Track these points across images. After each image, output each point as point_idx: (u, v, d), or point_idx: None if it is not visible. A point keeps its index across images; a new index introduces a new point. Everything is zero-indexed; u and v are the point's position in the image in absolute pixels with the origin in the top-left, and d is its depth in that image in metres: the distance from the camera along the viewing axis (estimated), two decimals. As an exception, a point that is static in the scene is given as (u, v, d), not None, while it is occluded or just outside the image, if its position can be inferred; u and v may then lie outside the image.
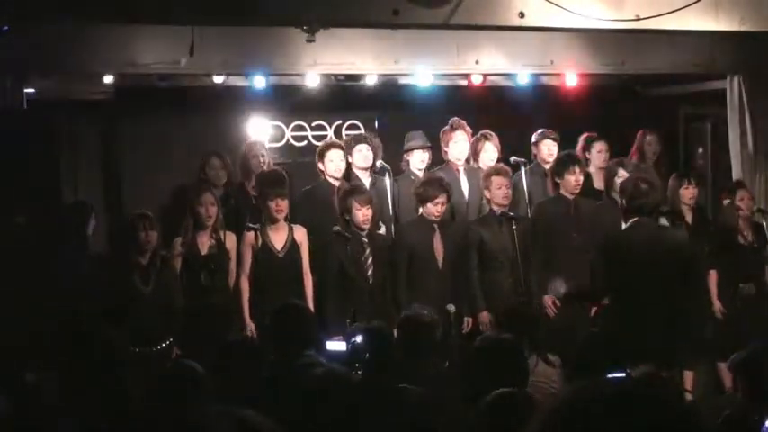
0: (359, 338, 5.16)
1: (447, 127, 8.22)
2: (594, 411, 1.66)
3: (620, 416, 1.66)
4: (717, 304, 7.79)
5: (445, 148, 8.21)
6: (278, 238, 7.31)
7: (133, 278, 6.78)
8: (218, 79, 8.31)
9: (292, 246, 7.30)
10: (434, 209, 7.36)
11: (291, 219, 7.47)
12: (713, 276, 7.83)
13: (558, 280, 7.53)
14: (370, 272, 7.24)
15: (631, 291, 6.49)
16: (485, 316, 7.32)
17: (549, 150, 8.46)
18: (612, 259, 6.62)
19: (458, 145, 8.16)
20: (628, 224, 6.71)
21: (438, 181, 7.49)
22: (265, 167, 8.11)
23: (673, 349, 6.37)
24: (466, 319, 7.39)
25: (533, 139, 8.63)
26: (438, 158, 8.32)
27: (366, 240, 7.27)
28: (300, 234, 7.36)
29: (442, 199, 7.36)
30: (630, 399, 1.69)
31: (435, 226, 7.42)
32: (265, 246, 7.25)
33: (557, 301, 7.50)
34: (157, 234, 6.89)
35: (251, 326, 7.12)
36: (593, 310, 7.55)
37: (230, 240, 7.24)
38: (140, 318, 6.67)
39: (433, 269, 7.37)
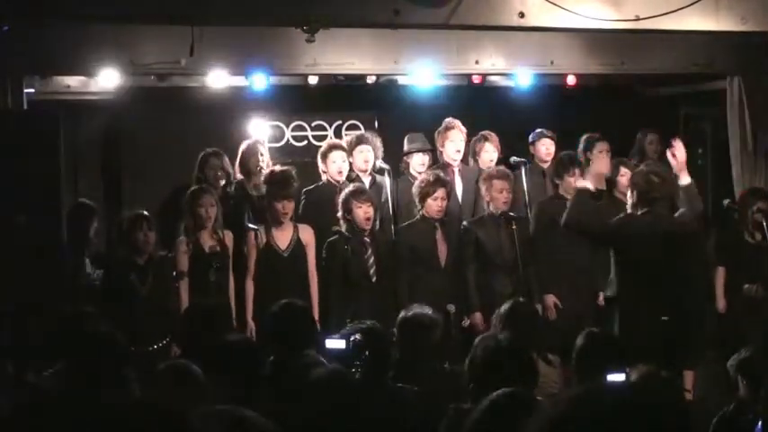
0: (357, 336, 5.15)
1: (441, 127, 8.19)
2: (594, 423, 1.66)
3: (620, 427, 1.65)
4: (721, 302, 7.75)
5: (441, 149, 8.19)
6: (283, 238, 7.30)
7: (131, 278, 6.78)
8: (218, 79, 8.31)
9: (297, 245, 7.29)
10: (435, 204, 7.33)
11: (294, 219, 7.47)
12: (721, 273, 7.79)
13: None
14: (372, 271, 7.24)
15: (637, 278, 6.49)
16: (478, 317, 7.30)
17: (546, 149, 8.45)
18: (621, 244, 6.60)
19: (453, 145, 8.11)
20: (640, 213, 6.68)
21: (435, 176, 7.46)
22: (264, 167, 8.09)
23: (673, 348, 6.37)
24: (465, 317, 7.36)
25: (530, 139, 8.60)
26: (435, 159, 8.30)
27: (368, 240, 7.27)
28: (307, 234, 7.35)
29: (440, 193, 7.33)
30: (630, 409, 1.68)
31: (437, 225, 7.40)
32: (269, 245, 7.25)
33: (558, 302, 7.50)
34: (155, 235, 6.88)
35: (251, 325, 7.12)
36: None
37: (228, 238, 7.24)
38: (138, 317, 6.67)
39: (435, 269, 7.35)
